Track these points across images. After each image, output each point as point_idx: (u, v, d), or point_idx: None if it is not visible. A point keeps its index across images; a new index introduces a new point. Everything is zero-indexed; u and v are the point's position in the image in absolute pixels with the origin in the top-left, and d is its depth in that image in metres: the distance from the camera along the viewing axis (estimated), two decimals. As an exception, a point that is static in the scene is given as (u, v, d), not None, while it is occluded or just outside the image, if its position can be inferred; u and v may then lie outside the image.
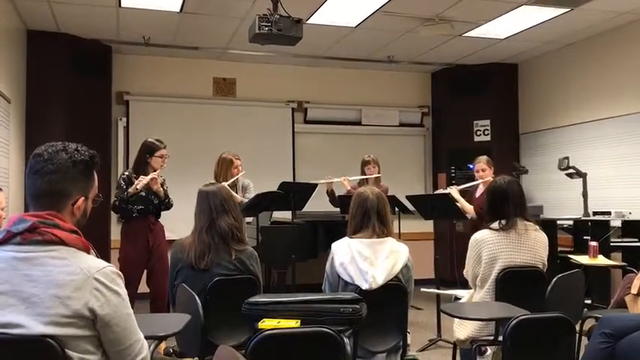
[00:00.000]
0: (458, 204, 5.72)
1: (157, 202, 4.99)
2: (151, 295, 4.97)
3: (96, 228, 5.64)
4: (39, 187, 1.79)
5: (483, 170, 5.82)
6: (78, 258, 1.74)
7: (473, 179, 6.06)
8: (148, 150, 4.98)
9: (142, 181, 4.80)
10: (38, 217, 1.75)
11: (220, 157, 5.68)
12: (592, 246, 5.01)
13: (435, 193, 6.43)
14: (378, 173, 6.23)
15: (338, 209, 6.37)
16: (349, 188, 6.23)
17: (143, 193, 4.88)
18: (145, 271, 4.99)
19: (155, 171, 4.94)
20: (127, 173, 5.01)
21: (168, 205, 5.09)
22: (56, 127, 6.63)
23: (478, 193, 5.90)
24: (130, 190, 4.82)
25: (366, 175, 6.22)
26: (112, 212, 7.34)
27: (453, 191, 5.88)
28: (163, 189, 5.03)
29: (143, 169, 4.94)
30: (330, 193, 6.37)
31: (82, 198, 1.85)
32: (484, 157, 5.92)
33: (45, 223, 1.73)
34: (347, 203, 3.57)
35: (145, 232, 4.94)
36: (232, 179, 5.48)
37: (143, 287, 5.01)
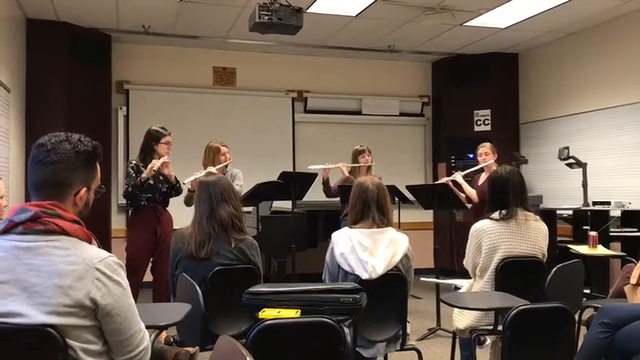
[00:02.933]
0: (463, 189, 5.86)
1: (165, 190, 5.00)
2: (154, 284, 4.97)
3: (97, 218, 5.63)
4: (41, 176, 1.79)
5: (486, 154, 5.93)
6: (80, 248, 1.75)
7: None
8: (154, 138, 5.02)
9: (156, 164, 4.83)
10: (40, 206, 1.75)
11: (207, 146, 5.61)
12: (591, 236, 5.02)
13: (439, 182, 6.40)
14: (371, 162, 6.21)
15: (331, 199, 6.38)
16: (347, 175, 6.21)
17: (151, 181, 4.88)
18: (151, 260, 5.00)
19: (160, 158, 4.96)
20: (134, 161, 5.00)
21: (179, 190, 5.11)
22: (56, 116, 6.62)
23: (480, 181, 5.98)
24: (144, 174, 4.82)
25: (360, 163, 6.20)
26: (112, 204, 7.44)
27: (458, 177, 5.98)
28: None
29: (150, 157, 4.96)
30: (326, 182, 6.32)
31: (85, 188, 1.85)
32: (487, 143, 6.07)
33: (47, 213, 1.74)
34: (346, 193, 3.57)
35: (153, 221, 4.95)
36: (220, 165, 5.45)
37: (148, 276, 5.02)
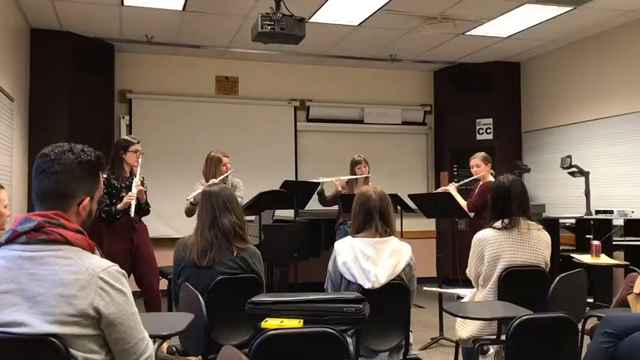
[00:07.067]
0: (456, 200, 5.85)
1: (136, 204, 4.84)
2: (145, 297, 4.89)
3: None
4: (45, 186, 1.80)
5: (478, 166, 5.95)
6: (83, 257, 1.75)
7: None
8: (122, 147, 4.93)
9: (132, 199, 4.71)
10: (44, 216, 1.75)
11: (208, 156, 5.58)
12: (594, 245, 5.01)
13: (437, 191, 6.47)
14: (368, 173, 6.23)
15: (328, 208, 6.48)
16: (340, 188, 6.27)
17: (123, 193, 4.80)
18: (134, 275, 4.90)
19: (131, 168, 4.91)
20: (104, 176, 4.72)
21: (147, 212, 5.03)
22: (59, 125, 6.64)
23: (476, 191, 5.99)
24: (119, 206, 4.75)
25: (356, 174, 6.23)
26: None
27: (451, 188, 6.00)
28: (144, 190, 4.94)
29: (118, 168, 4.88)
30: (320, 193, 6.37)
31: (88, 198, 1.86)
32: (480, 154, 6.05)
33: (51, 223, 1.74)
34: (349, 202, 3.58)
35: (129, 230, 4.87)
36: (222, 177, 5.43)
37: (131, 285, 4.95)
